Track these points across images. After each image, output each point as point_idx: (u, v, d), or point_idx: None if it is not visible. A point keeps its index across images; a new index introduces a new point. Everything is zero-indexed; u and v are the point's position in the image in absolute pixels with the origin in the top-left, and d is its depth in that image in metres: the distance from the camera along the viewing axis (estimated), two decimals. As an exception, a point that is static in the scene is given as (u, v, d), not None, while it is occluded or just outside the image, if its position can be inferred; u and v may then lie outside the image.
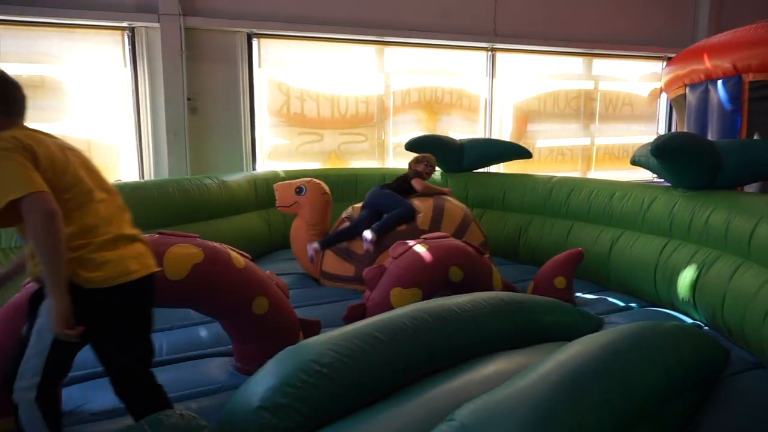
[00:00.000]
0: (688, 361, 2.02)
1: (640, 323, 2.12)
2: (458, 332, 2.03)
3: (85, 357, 2.34)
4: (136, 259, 1.75)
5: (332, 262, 3.87)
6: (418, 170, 4.19)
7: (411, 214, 3.79)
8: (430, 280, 2.94)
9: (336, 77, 6.11)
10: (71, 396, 2.20)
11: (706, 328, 3.06)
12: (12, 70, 5.04)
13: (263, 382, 1.59)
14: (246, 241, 4.38)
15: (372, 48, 6.25)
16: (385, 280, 2.95)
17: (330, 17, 5.85)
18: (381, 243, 3.69)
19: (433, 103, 6.52)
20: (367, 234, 3.68)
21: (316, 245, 3.86)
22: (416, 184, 4.04)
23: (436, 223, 3.76)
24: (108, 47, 5.33)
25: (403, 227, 3.76)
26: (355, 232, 3.82)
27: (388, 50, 6.30)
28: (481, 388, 1.74)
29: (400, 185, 4.07)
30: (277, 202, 4.12)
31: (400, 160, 6.10)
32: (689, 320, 3.19)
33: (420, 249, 3.02)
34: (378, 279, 2.99)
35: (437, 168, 5.33)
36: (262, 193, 4.89)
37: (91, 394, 2.23)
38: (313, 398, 1.53)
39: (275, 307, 2.44)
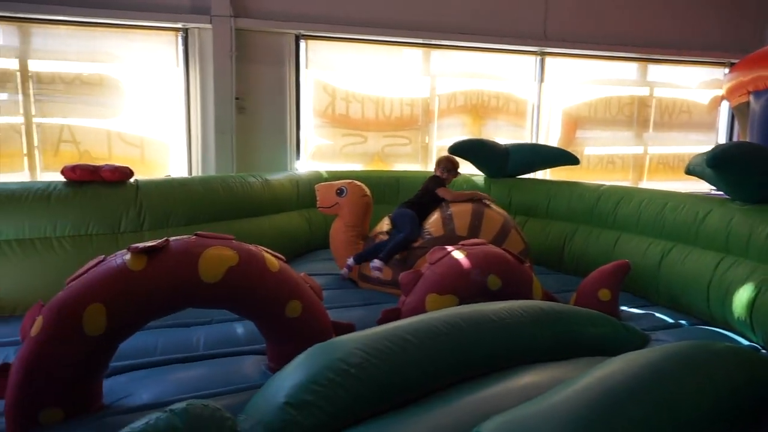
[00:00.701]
0: (740, 385, 1.88)
1: (688, 342, 1.99)
2: (493, 340, 1.96)
3: (124, 348, 2.44)
4: None
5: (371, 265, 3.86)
6: (437, 176, 4.12)
7: (410, 239, 3.73)
8: (467, 287, 2.88)
9: (381, 79, 6.12)
10: (113, 388, 2.25)
11: (764, 351, 2.87)
12: (75, 68, 5.33)
13: (291, 378, 1.58)
14: (286, 239, 4.44)
15: (418, 51, 6.22)
16: (421, 285, 2.91)
17: (377, 19, 5.87)
18: (415, 254, 3.67)
19: (478, 107, 6.44)
20: (376, 263, 3.66)
21: (351, 261, 3.85)
22: (444, 194, 3.95)
23: (474, 229, 3.68)
24: (162, 47, 5.53)
25: (441, 233, 3.71)
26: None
27: (435, 53, 6.26)
28: (514, 399, 1.67)
29: (422, 196, 4.01)
30: (317, 202, 4.16)
31: (444, 164, 6.02)
32: (745, 342, 2.99)
33: (458, 255, 2.97)
34: (414, 284, 2.96)
35: (481, 173, 5.28)
36: (304, 192, 4.94)
37: (133, 386, 2.28)
38: (339, 398, 1.51)
39: (308, 310, 2.43)
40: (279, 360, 2.41)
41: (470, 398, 1.75)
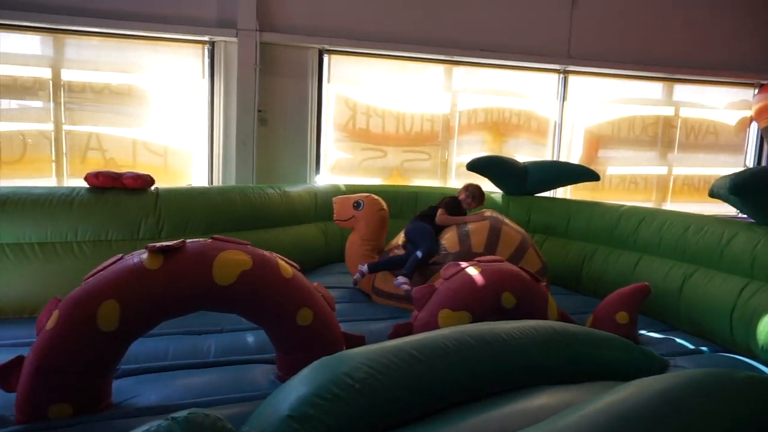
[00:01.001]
0: (762, 417, 1.81)
1: (706, 370, 1.92)
2: (503, 359, 1.92)
3: (136, 352, 2.47)
4: None
5: (384, 279, 3.84)
6: (458, 197, 4.11)
7: (431, 255, 3.70)
8: (481, 304, 2.84)
9: (403, 95, 6.15)
10: (122, 388, 2.28)
11: (789, 381, 2.75)
12: (104, 78, 5.48)
13: (295, 390, 1.57)
14: (303, 251, 4.45)
15: (440, 67, 6.24)
16: (434, 300, 2.89)
17: (400, 35, 5.92)
18: (425, 273, 3.65)
19: (499, 125, 6.41)
20: (401, 279, 3.63)
21: (364, 268, 3.83)
22: (438, 214, 3.92)
23: (491, 246, 3.64)
24: (189, 59, 5.66)
25: (457, 249, 3.68)
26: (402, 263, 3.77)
27: (457, 69, 6.27)
28: (523, 422, 1.63)
29: (434, 212, 4.00)
30: (334, 215, 4.17)
31: (462, 180, 6.00)
32: (769, 371, 2.88)
33: (472, 271, 2.94)
34: (427, 299, 2.93)
35: (498, 190, 5.24)
36: (322, 205, 4.96)
37: (140, 388, 2.31)
38: (343, 412, 1.49)
39: (319, 320, 2.43)
40: (288, 369, 2.40)
41: (477, 419, 1.72)
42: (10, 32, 5.22)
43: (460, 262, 3.06)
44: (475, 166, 4.97)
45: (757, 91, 6.71)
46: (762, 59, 6.83)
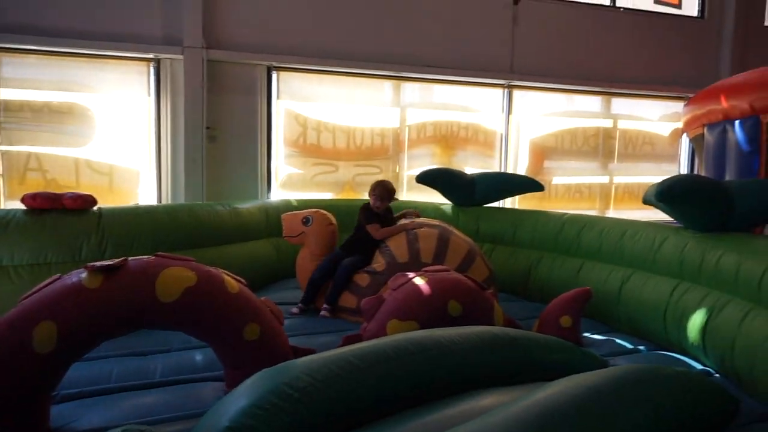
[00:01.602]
0: (686, 409, 1.92)
1: (635, 366, 2.03)
2: (443, 365, 1.98)
3: (77, 376, 2.40)
4: None
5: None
6: (368, 205, 4.00)
7: (318, 279, 3.84)
8: (428, 313, 2.90)
9: (353, 110, 6.23)
10: (61, 413, 2.22)
11: (717, 375, 2.93)
12: (45, 96, 5.32)
13: (235, 403, 1.58)
14: (254, 267, 4.42)
15: (389, 82, 6.37)
16: (382, 311, 2.93)
17: (348, 52, 6.02)
18: (379, 280, 3.70)
19: (448, 138, 6.58)
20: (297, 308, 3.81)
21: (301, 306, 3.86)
22: (372, 230, 3.88)
23: (440, 255, 3.73)
24: (134, 78, 5.57)
25: (405, 259, 3.74)
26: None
27: (405, 85, 6.41)
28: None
29: (358, 230, 4.00)
30: (284, 231, 4.17)
31: (414, 193, 6.13)
32: (699, 366, 3.05)
33: (419, 281, 3.00)
34: (376, 310, 2.97)
35: (448, 202, 5.36)
36: (274, 221, 4.93)
37: (80, 412, 2.25)
38: (282, 422, 1.51)
39: (267, 334, 2.43)
40: (236, 385, 2.38)
41: (419, 422, 1.76)
42: (-60, 50, 5.02)
43: (408, 273, 3.12)
44: (425, 178, 5.07)
45: (685, 104, 7.14)
46: (689, 75, 7.30)
